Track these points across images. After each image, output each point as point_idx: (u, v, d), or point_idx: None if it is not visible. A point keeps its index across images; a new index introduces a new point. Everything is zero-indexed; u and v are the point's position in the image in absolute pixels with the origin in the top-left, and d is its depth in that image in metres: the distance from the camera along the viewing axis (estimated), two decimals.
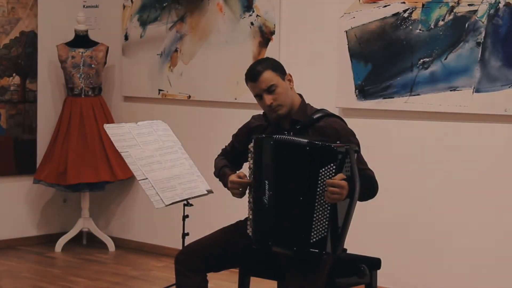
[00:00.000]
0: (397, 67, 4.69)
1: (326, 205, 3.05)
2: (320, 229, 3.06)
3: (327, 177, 3.04)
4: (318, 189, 3.05)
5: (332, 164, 3.03)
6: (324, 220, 3.06)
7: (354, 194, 3.05)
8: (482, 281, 4.48)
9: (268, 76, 3.29)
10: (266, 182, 3.18)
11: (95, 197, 6.24)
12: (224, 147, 3.63)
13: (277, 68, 3.34)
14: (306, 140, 3.10)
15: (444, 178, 4.61)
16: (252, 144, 3.24)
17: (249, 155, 3.26)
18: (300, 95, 3.44)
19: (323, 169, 3.04)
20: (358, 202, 3.16)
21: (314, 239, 3.07)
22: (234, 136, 3.57)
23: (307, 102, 3.45)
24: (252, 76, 3.31)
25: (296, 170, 3.11)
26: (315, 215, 3.06)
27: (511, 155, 4.39)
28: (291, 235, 3.13)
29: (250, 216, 3.27)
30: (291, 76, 3.38)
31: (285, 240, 3.15)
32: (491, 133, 4.44)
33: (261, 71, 3.29)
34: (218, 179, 3.56)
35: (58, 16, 6.18)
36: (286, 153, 3.14)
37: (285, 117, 3.36)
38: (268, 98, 3.29)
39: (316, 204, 3.06)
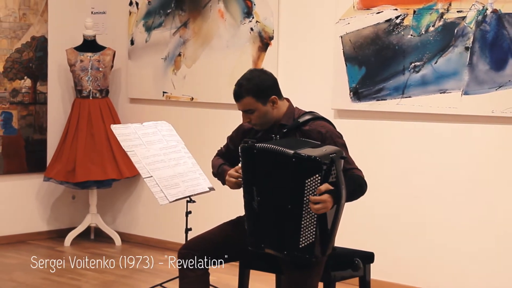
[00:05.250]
0: (389, 71, 4.72)
1: (313, 213, 3.03)
2: (309, 235, 3.04)
3: (313, 187, 3.01)
4: (305, 198, 3.02)
5: (317, 175, 3.00)
6: (312, 227, 3.03)
7: (340, 201, 3.03)
8: (473, 275, 4.52)
9: (248, 102, 3.30)
10: (254, 188, 3.15)
11: (103, 194, 6.26)
12: (219, 148, 3.62)
13: (261, 93, 3.29)
14: (291, 151, 3.03)
15: (435, 176, 4.64)
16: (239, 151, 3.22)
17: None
18: (288, 100, 3.44)
19: (309, 180, 3.01)
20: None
21: (302, 245, 3.05)
22: (229, 138, 3.57)
23: (304, 103, 3.48)
24: (235, 95, 3.34)
25: (282, 180, 3.07)
26: (302, 223, 3.03)
27: (498, 154, 4.43)
28: (280, 240, 3.12)
29: (245, 217, 3.27)
30: (276, 99, 3.33)
31: (275, 243, 3.15)
32: (479, 133, 4.48)
33: (243, 96, 3.30)
34: (216, 178, 3.55)
35: (67, 22, 6.22)
36: (271, 162, 3.10)
37: (271, 126, 3.38)
38: (245, 117, 3.36)
39: (304, 212, 3.02)
